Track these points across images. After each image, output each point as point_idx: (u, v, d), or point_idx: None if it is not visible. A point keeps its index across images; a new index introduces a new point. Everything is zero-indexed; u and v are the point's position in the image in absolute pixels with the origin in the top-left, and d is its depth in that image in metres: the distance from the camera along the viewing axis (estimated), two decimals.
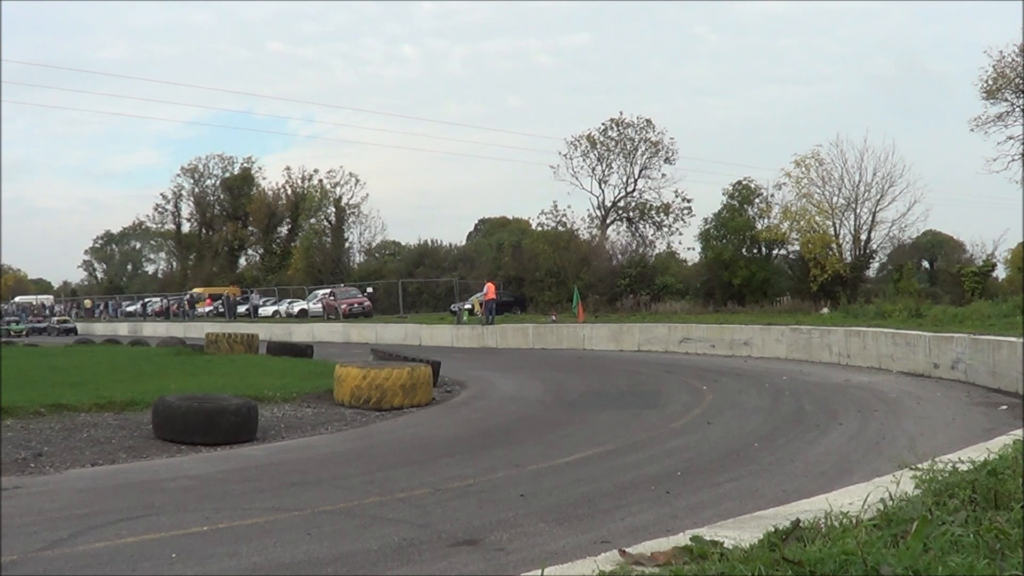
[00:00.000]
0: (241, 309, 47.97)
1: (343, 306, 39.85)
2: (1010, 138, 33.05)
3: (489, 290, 31.92)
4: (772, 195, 36.81)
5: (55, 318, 55.58)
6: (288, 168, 75.15)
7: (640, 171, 44.87)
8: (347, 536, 6.10)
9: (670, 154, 44.38)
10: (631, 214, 45.10)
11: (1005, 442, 4.95)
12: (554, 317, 32.67)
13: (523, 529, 6.22)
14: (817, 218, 34.30)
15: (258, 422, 11.03)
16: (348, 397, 13.61)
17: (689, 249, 42.17)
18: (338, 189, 55.23)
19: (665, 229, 43.99)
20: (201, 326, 40.14)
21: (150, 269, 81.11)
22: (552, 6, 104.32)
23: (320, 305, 42.84)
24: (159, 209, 66.72)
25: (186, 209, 66.06)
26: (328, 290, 43.86)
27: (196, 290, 54.93)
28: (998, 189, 78.25)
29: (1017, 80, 32.14)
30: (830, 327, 22.29)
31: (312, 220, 55.94)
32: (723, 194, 38.01)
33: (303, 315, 43.26)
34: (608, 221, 45.42)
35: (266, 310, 46.51)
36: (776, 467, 8.63)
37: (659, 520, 6.40)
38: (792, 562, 2.52)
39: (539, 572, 2.69)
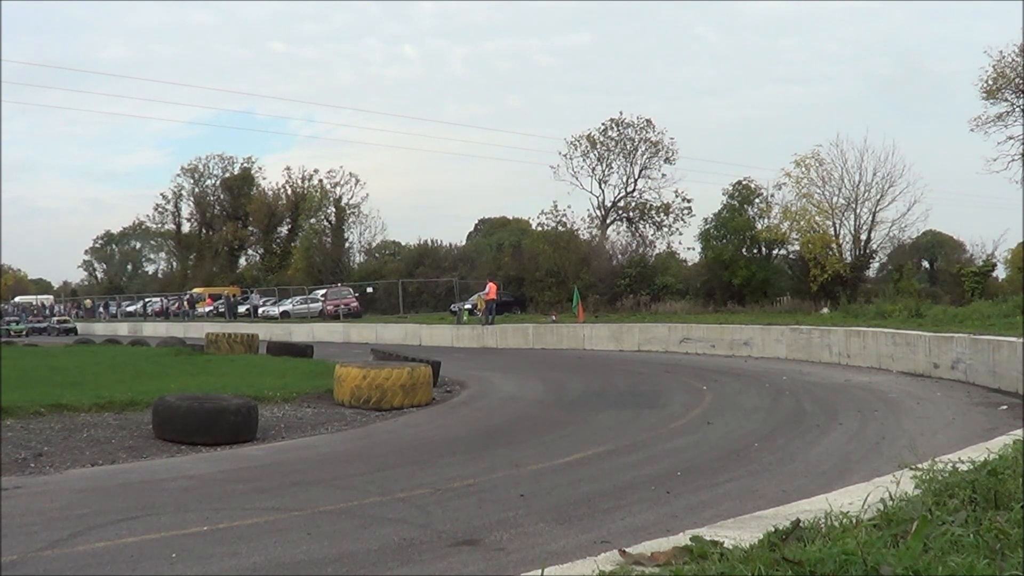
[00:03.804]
0: (241, 309, 47.95)
1: (329, 307, 40.46)
2: (1010, 138, 33.09)
3: (491, 290, 31.92)
4: (772, 195, 36.88)
5: (55, 318, 55.55)
6: (288, 168, 75.44)
7: (640, 171, 44.95)
8: (347, 536, 6.10)
9: (670, 154, 44.46)
10: (631, 214, 45.13)
11: (1005, 442, 4.95)
12: (554, 317, 32.67)
13: (523, 529, 6.22)
14: (817, 218, 34.32)
15: (258, 422, 11.03)
16: (348, 397, 13.61)
17: (689, 249, 42.27)
18: (338, 189, 55.33)
19: (665, 229, 44.07)
20: (201, 326, 40.15)
21: (150, 269, 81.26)
22: (552, 6, 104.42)
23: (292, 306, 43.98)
24: (159, 209, 66.84)
25: (186, 209, 66.17)
26: (324, 290, 43.98)
27: (196, 290, 54.93)
28: (998, 189, 78.54)
29: (1017, 80, 32.14)
30: (830, 327, 22.29)
31: (312, 220, 55.96)
32: (723, 194, 38.10)
33: (285, 316, 43.30)
34: (608, 221, 45.44)
35: (270, 310, 46.36)
36: (776, 467, 8.63)
37: (659, 520, 6.39)
38: (792, 562, 2.52)
39: (539, 572, 2.68)
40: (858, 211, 34.29)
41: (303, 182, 57.79)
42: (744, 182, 37.84)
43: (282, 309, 44.13)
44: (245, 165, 64.16)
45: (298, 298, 45.02)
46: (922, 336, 17.89)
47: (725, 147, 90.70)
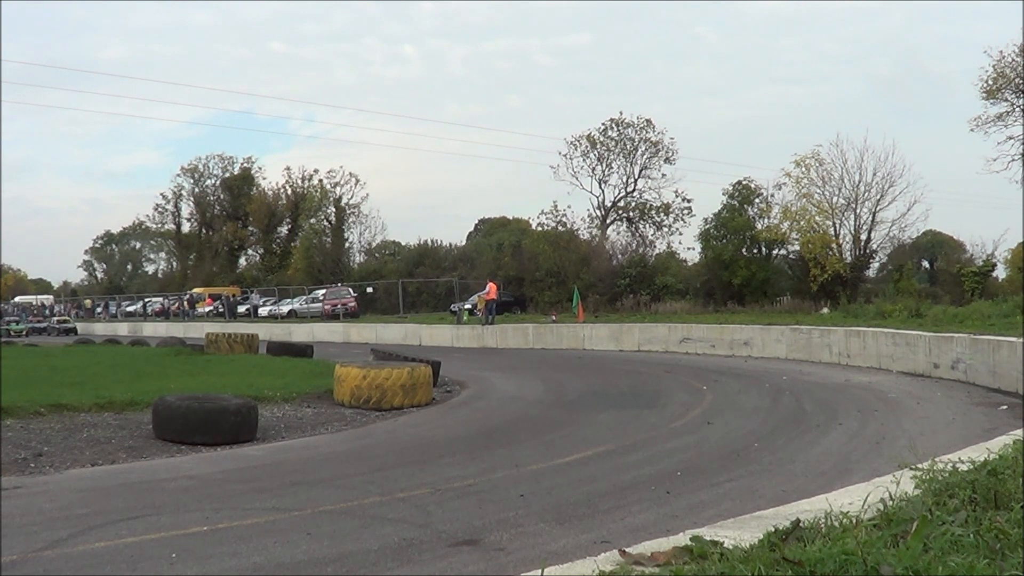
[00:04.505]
0: (241, 309, 47.99)
1: (327, 306, 40.69)
2: (1010, 138, 33.10)
3: (491, 290, 31.93)
4: (772, 195, 36.90)
5: (55, 318, 55.55)
6: (288, 168, 75.50)
7: (640, 171, 44.96)
8: (347, 536, 6.10)
9: (670, 154, 44.47)
10: (631, 214, 45.13)
11: (1005, 442, 4.96)
12: (554, 317, 32.67)
13: (523, 529, 6.22)
14: (817, 218, 34.32)
15: (258, 422, 11.03)
16: (348, 397, 13.61)
17: (689, 249, 42.26)
18: (338, 189, 55.35)
19: (665, 229, 44.06)
20: (201, 326, 40.17)
21: (150, 269, 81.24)
22: (553, 6, 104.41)
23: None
24: (159, 209, 66.88)
25: (186, 209, 66.22)
26: (324, 290, 44.10)
27: (196, 290, 54.93)
28: (998, 189, 78.61)
29: (1017, 80, 32.14)
30: (830, 327, 22.29)
31: (312, 220, 55.96)
32: (723, 194, 38.10)
33: (292, 315, 43.51)
34: (608, 221, 45.45)
35: (267, 310, 46.49)
36: (776, 467, 8.63)
37: (659, 520, 6.39)
38: (792, 562, 2.52)
39: (539, 572, 2.69)
40: (858, 211, 34.33)
41: (303, 182, 57.89)
42: (744, 182, 37.88)
43: (289, 308, 44.27)
44: (245, 165, 64.26)
45: (304, 298, 45.13)
46: (922, 336, 17.89)
47: (725, 147, 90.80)
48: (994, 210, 70.91)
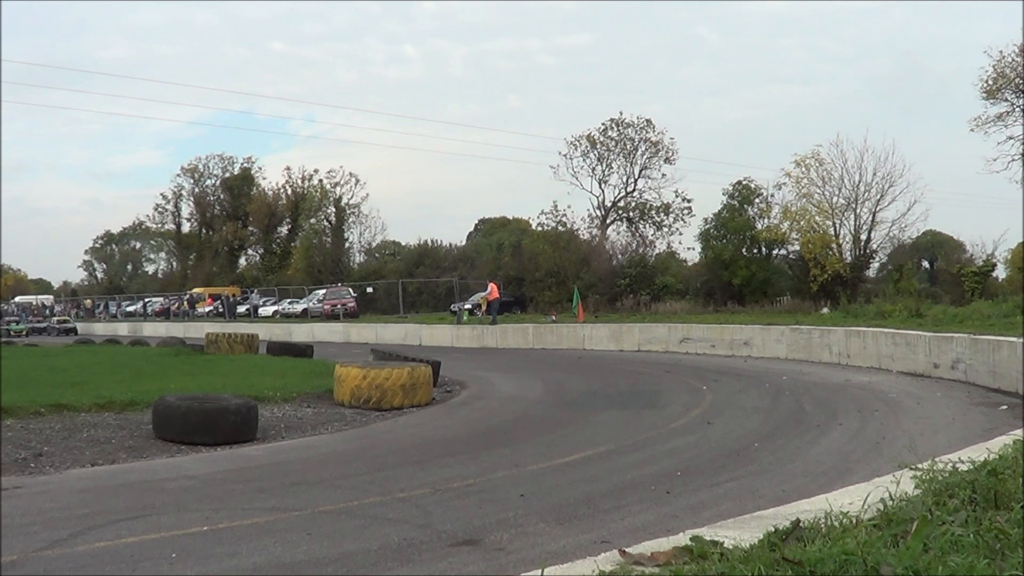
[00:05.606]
0: (241, 309, 48.01)
1: (326, 307, 40.83)
2: (1010, 138, 33.13)
3: (492, 289, 31.95)
4: (772, 195, 36.99)
5: (55, 318, 55.55)
6: (288, 168, 75.41)
7: (640, 171, 45.02)
8: (347, 536, 6.10)
9: (670, 154, 44.54)
10: (631, 214, 45.17)
11: (1005, 442, 4.95)
12: (554, 317, 32.69)
13: (523, 529, 6.21)
14: (817, 218, 34.38)
15: (258, 422, 11.02)
16: (348, 397, 13.61)
17: (689, 249, 42.36)
18: (338, 189, 55.40)
19: (665, 229, 44.14)
20: (201, 326, 40.17)
21: (150, 269, 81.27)
22: (553, 6, 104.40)
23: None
24: (159, 209, 66.95)
25: (186, 209, 66.29)
26: (325, 290, 44.17)
27: (196, 290, 54.95)
28: (998, 189, 78.51)
29: (1017, 80, 32.16)
30: (830, 327, 22.28)
31: (312, 220, 56.00)
32: (723, 194, 38.20)
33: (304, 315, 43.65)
34: (608, 221, 45.49)
35: (267, 310, 46.55)
36: (776, 467, 8.63)
37: (659, 520, 6.39)
38: (792, 562, 2.52)
39: (539, 572, 2.69)
40: (858, 211, 34.40)
41: (303, 182, 57.90)
42: (744, 182, 37.95)
43: (302, 307, 44.40)
44: (245, 165, 64.29)
45: (314, 297, 45.19)
46: (922, 336, 17.89)
47: (725, 147, 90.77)
48: (994, 210, 70.97)
